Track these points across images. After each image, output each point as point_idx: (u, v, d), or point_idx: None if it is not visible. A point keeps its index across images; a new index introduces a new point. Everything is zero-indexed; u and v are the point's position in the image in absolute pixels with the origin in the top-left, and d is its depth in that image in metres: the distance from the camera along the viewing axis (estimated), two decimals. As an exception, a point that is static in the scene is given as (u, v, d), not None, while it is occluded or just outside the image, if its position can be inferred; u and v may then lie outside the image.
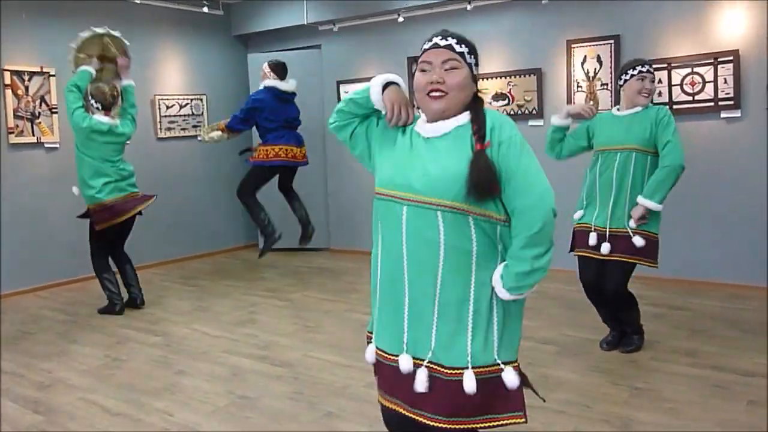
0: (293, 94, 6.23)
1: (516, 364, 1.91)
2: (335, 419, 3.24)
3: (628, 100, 3.84)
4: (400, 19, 6.61)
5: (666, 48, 5.38)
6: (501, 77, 6.19)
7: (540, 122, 6.04)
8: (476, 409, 1.84)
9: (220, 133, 6.14)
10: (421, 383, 1.85)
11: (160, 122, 7.14)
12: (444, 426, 1.83)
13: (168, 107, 7.22)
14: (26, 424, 3.31)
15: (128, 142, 5.36)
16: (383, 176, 1.94)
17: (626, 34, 5.55)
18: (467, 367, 1.82)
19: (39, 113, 6.12)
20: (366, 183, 7.07)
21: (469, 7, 6.19)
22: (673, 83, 5.33)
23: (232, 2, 7.69)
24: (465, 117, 1.88)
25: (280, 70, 6.18)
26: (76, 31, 6.37)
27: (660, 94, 5.40)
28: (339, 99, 7.31)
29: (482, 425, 1.86)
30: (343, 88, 7.28)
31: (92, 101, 5.16)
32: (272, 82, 6.09)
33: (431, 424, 1.84)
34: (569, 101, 5.86)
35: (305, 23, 7.17)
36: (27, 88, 6.02)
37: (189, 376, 3.89)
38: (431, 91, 1.87)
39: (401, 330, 1.92)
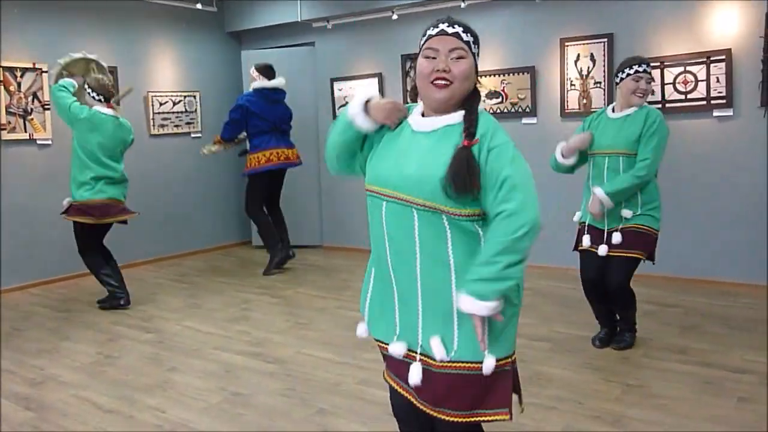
0: (282, 92, 6.26)
1: (507, 360, 1.87)
2: (328, 416, 3.25)
3: (623, 99, 3.82)
4: (394, 17, 6.61)
5: (659, 47, 5.40)
6: (495, 75, 6.20)
7: (533, 120, 6.05)
8: (465, 403, 1.84)
9: (217, 146, 6.22)
10: (413, 377, 1.86)
11: (153, 119, 7.12)
12: (438, 416, 1.85)
13: (161, 104, 7.20)
14: (18, 421, 3.30)
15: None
16: (370, 172, 1.95)
17: (619, 33, 5.57)
18: (451, 361, 1.82)
19: (31, 110, 6.10)
20: (359, 181, 7.06)
21: (463, 5, 6.19)
22: (665, 82, 5.35)
23: (226, -1, 7.68)
24: (457, 116, 1.84)
25: (267, 70, 6.21)
26: (69, 27, 6.39)
27: (653, 92, 5.40)
28: (333, 96, 7.33)
29: (470, 419, 1.85)
30: (336, 85, 7.27)
31: (93, 93, 5.09)
32: (260, 83, 6.12)
33: (429, 413, 1.87)
34: (562, 99, 5.87)
35: (299, 20, 7.16)
36: (19, 85, 5.99)
37: (181, 372, 3.89)
38: (436, 79, 1.81)
39: (393, 322, 1.96)
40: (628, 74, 3.77)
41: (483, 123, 1.82)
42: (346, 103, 7.17)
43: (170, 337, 4.56)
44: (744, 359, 3.75)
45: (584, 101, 5.76)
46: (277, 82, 6.22)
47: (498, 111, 6.19)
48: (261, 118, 6.13)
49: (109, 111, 5.10)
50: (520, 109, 6.12)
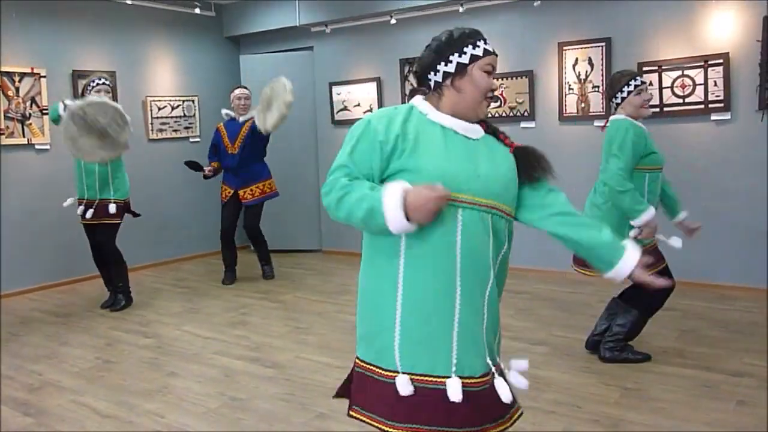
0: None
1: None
2: (327, 420, 3.24)
3: (634, 114, 3.73)
4: (393, 21, 6.62)
5: (656, 51, 5.41)
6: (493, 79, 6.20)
7: (532, 124, 6.06)
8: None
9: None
10: (456, 395, 1.74)
11: (151, 124, 7.12)
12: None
13: (159, 109, 7.21)
14: (16, 427, 3.29)
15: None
16: (430, 176, 1.73)
17: (617, 37, 5.58)
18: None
19: (29, 114, 6.10)
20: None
21: (461, 9, 6.21)
22: (663, 86, 5.36)
23: (224, 3, 7.69)
24: (478, 126, 1.91)
25: None
26: (68, 32, 6.40)
27: (651, 96, 5.41)
28: (331, 100, 7.33)
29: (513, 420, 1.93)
30: (335, 89, 7.28)
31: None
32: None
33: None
34: (561, 103, 5.88)
35: (297, 24, 7.17)
36: (17, 90, 6.00)
37: (180, 377, 3.89)
38: (491, 97, 1.90)
39: (443, 351, 1.78)
40: (630, 91, 3.71)
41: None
42: (345, 107, 7.18)
43: (169, 342, 4.56)
44: (743, 363, 3.75)
45: (582, 105, 5.78)
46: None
47: (496, 115, 6.20)
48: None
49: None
50: (518, 113, 6.12)
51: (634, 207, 3.56)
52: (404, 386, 1.74)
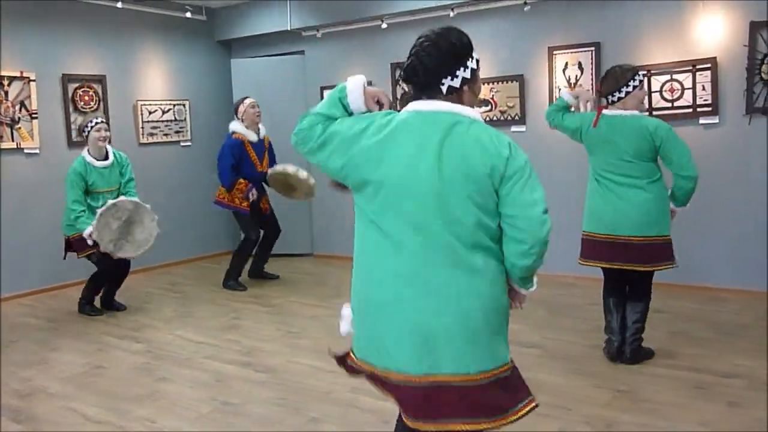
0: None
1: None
2: (320, 424, 3.24)
3: (635, 107, 3.78)
4: (384, 26, 6.64)
5: (646, 55, 5.45)
6: (484, 83, 6.22)
7: (522, 128, 6.09)
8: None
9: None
10: None
11: (142, 128, 7.10)
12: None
13: (150, 113, 7.19)
14: (7, 433, 3.28)
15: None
16: None
17: (607, 42, 5.62)
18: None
19: (19, 118, 6.07)
20: (349, 190, 7.08)
21: (452, 14, 6.23)
22: (653, 90, 5.40)
23: (215, 7, 7.69)
24: None
25: None
26: (58, 35, 6.38)
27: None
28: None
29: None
30: (326, 93, 7.26)
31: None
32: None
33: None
34: (551, 107, 5.91)
35: (289, 29, 7.17)
36: (6, 93, 5.97)
37: (172, 382, 3.88)
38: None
39: None
40: (639, 82, 3.76)
41: None
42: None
43: (160, 347, 4.54)
44: (733, 364, 3.78)
45: (572, 109, 5.79)
46: None
47: (487, 119, 6.23)
48: None
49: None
50: (509, 117, 6.15)
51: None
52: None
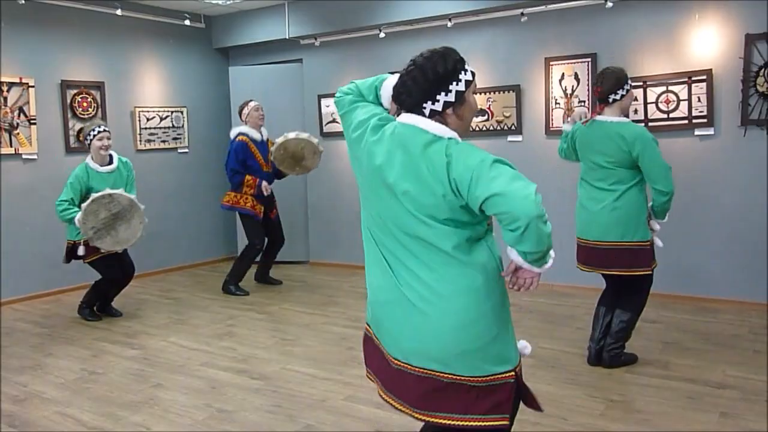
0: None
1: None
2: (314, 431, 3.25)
3: (623, 112, 3.85)
4: (382, 35, 6.67)
5: (641, 66, 5.49)
6: (480, 93, 6.27)
7: (519, 138, 6.12)
8: None
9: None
10: None
11: (140, 134, 7.12)
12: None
13: (148, 119, 7.21)
14: (0, 438, 3.27)
15: None
16: None
17: (603, 53, 5.66)
18: None
19: (17, 124, 6.08)
20: (346, 196, 7.11)
21: (449, 24, 6.27)
22: (648, 101, 5.44)
23: (214, 15, 7.72)
24: None
25: None
26: (56, 41, 6.40)
27: (636, 111, 5.50)
28: (320, 113, 7.37)
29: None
30: (324, 102, 7.31)
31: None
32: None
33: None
34: (547, 117, 5.94)
35: (287, 37, 7.20)
36: (5, 99, 5.98)
37: (166, 389, 3.88)
38: None
39: None
40: (628, 89, 3.84)
41: None
42: (334, 119, 7.23)
43: (155, 353, 4.54)
44: (725, 374, 3.80)
45: (569, 119, 5.82)
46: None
47: (484, 128, 6.26)
48: None
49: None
50: (505, 127, 6.18)
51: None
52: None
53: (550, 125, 5.93)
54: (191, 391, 3.82)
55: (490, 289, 2.00)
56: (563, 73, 5.84)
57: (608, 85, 3.81)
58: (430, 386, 2.00)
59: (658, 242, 3.91)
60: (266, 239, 6.30)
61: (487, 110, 6.25)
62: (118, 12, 6.67)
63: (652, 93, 5.42)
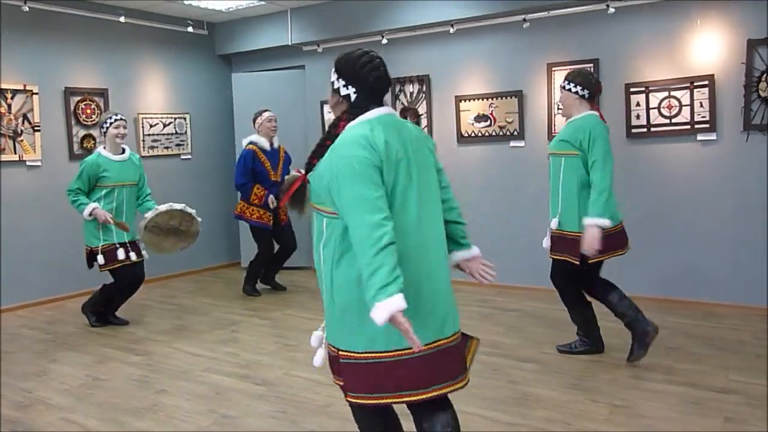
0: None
1: (349, 353, 2.17)
2: (317, 438, 3.25)
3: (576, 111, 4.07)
4: (384, 41, 6.69)
5: (644, 72, 5.50)
6: (483, 99, 6.28)
7: (521, 143, 6.13)
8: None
9: None
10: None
11: (143, 141, 7.14)
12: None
13: (151, 126, 7.23)
14: (5, 444, 3.28)
15: None
16: None
17: (605, 58, 5.67)
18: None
19: (21, 131, 6.10)
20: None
21: (451, 30, 6.29)
22: (650, 106, 5.45)
23: (216, 22, 7.75)
24: None
25: None
26: (60, 49, 6.43)
27: (638, 116, 5.51)
28: (322, 119, 7.39)
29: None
30: (326, 108, 7.33)
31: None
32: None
33: None
34: (550, 123, 5.95)
35: (289, 43, 7.23)
36: (9, 106, 6.01)
37: (170, 395, 3.88)
38: None
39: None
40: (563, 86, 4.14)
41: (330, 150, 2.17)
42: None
43: (159, 360, 4.55)
44: (729, 380, 3.79)
45: (571, 125, 5.84)
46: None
47: (486, 134, 6.27)
48: None
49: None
50: (508, 133, 6.19)
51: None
52: None
53: (553, 131, 5.94)
54: (195, 397, 3.82)
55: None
56: (565, 79, 5.85)
57: (587, 86, 4.06)
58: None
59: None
60: (277, 245, 6.36)
61: (490, 116, 6.26)
62: (122, 19, 6.71)
63: (654, 98, 5.43)
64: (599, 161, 3.84)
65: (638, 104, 5.48)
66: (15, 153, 6.06)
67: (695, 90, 5.27)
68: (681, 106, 5.34)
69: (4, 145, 5.99)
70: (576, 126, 3.96)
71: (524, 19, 5.93)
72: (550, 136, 5.95)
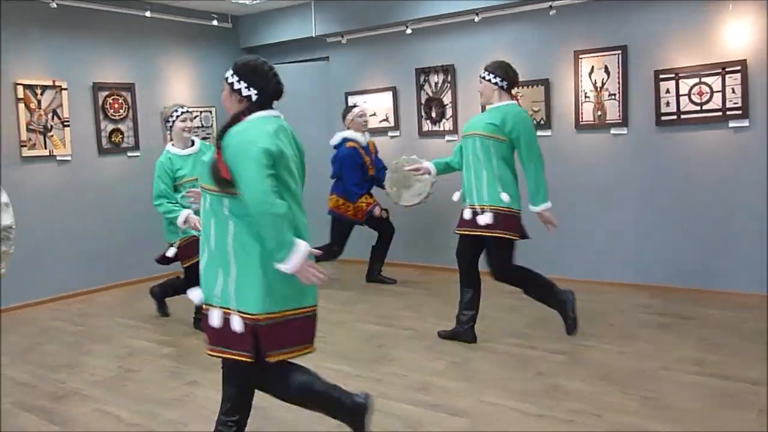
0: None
1: (252, 316, 2.56)
2: (346, 429, 3.26)
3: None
4: (408, 31, 6.66)
5: (673, 58, 5.41)
6: (508, 88, 6.22)
7: (548, 132, 6.07)
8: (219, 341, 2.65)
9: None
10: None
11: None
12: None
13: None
14: (41, 435, 3.35)
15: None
16: None
17: (633, 45, 5.58)
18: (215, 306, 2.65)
19: (51, 126, 6.20)
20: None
21: (476, 19, 6.24)
22: (681, 93, 5.35)
23: (241, 15, 7.78)
24: None
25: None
26: (88, 44, 6.51)
27: (668, 104, 5.42)
28: (346, 110, 7.38)
29: (220, 355, 2.69)
30: (351, 99, 7.33)
31: None
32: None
33: None
34: (577, 111, 5.89)
35: (313, 35, 7.23)
36: (39, 102, 6.10)
37: (201, 386, 3.92)
38: None
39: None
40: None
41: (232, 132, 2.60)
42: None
43: (189, 351, 4.60)
44: (762, 371, 3.73)
45: (599, 113, 5.78)
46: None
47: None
48: None
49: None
50: (534, 122, 6.11)
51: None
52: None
53: (580, 119, 5.87)
54: (225, 389, 3.86)
55: None
56: (593, 66, 5.77)
57: (511, 78, 4.34)
58: None
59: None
60: (378, 234, 6.38)
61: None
62: (147, 14, 6.77)
63: (685, 85, 5.34)
64: (533, 147, 4.15)
65: (668, 91, 5.39)
66: (45, 148, 6.16)
67: (727, 76, 5.17)
68: (712, 92, 5.24)
69: (35, 141, 6.08)
70: (504, 112, 4.18)
71: (550, 7, 5.86)
72: (578, 124, 5.90)
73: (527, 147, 4.13)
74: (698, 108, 5.31)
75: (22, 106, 5.97)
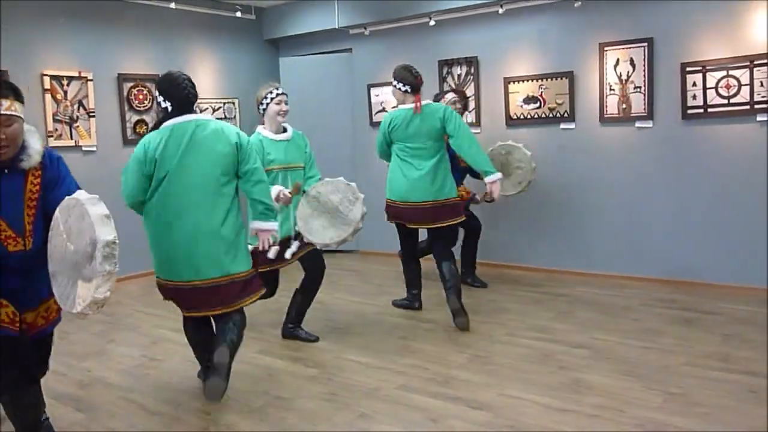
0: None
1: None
2: (369, 420, 3.28)
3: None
4: (432, 23, 6.64)
5: (700, 51, 5.33)
6: (533, 80, 6.18)
7: (572, 125, 6.02)
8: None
9: None
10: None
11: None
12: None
13: (201, 111, 7.33)
14: (69, 422, 3.40)
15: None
16: None
17: (659, 37, 5.51)
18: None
19: (77, 117, 6.27)
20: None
21: (500, 10, 6.20)
22: (707, 86, 5.28)
23: (264, 6, 7.79)
24: None
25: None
26: (113, 35, 6.57)
27: (695, 97, 5.35)
28: (369, 102, 7.39)
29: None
30: (373, 91, 7.33)
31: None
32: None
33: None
34: (602, 104, 5.83)
35: (336, 27, 7.23)
36: (66, 93, 6.17)
37: (224, 376, 3.96)
38: None
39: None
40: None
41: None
42: (383, 109, 7.22)
43: (212, 341, 4.64)
44: (790, 368, 3.69)
45: (624, 106, 5.72)
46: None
47: (536, 116, 6.18)
48: None
49: None
50: (558, 114, 6.09)
51: None
52: None
53: (605, 112, 5.82)
54: (248, 379, 3.90)
55: None
56: (618, 59, 5.71)
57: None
58: None
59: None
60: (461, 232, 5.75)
61: (539, 97, 6.16)
62: (172, 5, 6.80)
63: (712, 78, 5.26)
64: (464, 129, 4.64)
65: (695, 84, 5.32)
66: (71, 138, 6.23)
67: (755, 69, 5.09)
68: (740, 85, 5.16)
69: (61, 131, 6.16)
70: (429, 112, 4.76)
71: (575, -2, 5.81)
72: (602, 117, 5.84)
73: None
74: (725, 101, 5.23)
75: (48, 96, 6.04)
